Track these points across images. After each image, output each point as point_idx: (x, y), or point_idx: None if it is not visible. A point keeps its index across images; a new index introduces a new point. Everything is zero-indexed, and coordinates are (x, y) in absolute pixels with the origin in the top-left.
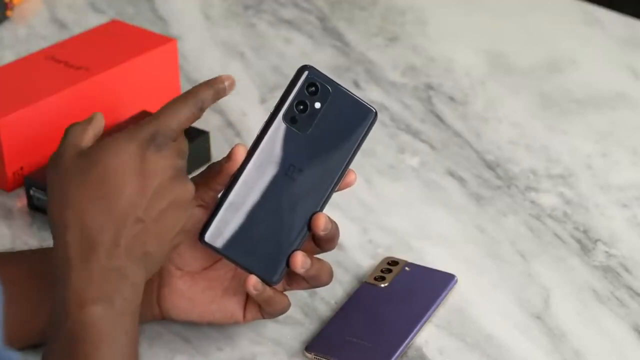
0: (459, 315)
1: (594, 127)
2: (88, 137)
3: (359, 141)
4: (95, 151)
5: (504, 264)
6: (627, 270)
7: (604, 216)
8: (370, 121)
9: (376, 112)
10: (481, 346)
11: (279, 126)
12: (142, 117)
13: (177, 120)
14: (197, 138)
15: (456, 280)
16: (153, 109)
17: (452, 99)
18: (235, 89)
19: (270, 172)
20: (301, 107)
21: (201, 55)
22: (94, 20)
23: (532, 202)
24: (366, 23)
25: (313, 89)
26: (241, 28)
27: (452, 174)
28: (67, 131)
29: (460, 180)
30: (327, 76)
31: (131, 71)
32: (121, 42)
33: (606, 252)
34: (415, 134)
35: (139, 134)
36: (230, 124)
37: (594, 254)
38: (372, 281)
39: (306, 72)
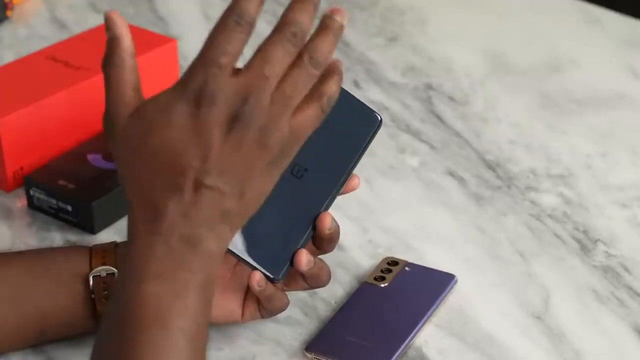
0: (459, 315)
1: (594, 127)
2: (129, 92)
3: (363, 146)
4: (147, 115)
5: (504, 264)
6: (627, 270)
7: (604, 216)
8: (375, 128)
9: (381, 120)
10: (481, 346)
11: None
12: None
13: (222, 52)
14: None
15: (456, 280)
16: None
17: (452, 99)
18: None
19: None
20: None
21: None
22: (94, 20)
23: (532, 202)
24: (366, 23)
25: None
26: None
27: (452, 174)
28: (107, 90)
29: (460, 180)
30: None
31: None
32: None
33: (606, 252)
34: (415, 134)
35: (185, 92)
36: None
37: (594, 254)
38: (372, 281)
39: None
